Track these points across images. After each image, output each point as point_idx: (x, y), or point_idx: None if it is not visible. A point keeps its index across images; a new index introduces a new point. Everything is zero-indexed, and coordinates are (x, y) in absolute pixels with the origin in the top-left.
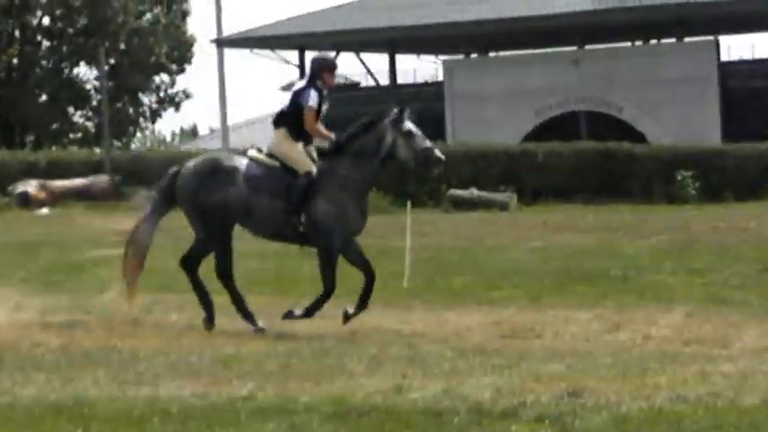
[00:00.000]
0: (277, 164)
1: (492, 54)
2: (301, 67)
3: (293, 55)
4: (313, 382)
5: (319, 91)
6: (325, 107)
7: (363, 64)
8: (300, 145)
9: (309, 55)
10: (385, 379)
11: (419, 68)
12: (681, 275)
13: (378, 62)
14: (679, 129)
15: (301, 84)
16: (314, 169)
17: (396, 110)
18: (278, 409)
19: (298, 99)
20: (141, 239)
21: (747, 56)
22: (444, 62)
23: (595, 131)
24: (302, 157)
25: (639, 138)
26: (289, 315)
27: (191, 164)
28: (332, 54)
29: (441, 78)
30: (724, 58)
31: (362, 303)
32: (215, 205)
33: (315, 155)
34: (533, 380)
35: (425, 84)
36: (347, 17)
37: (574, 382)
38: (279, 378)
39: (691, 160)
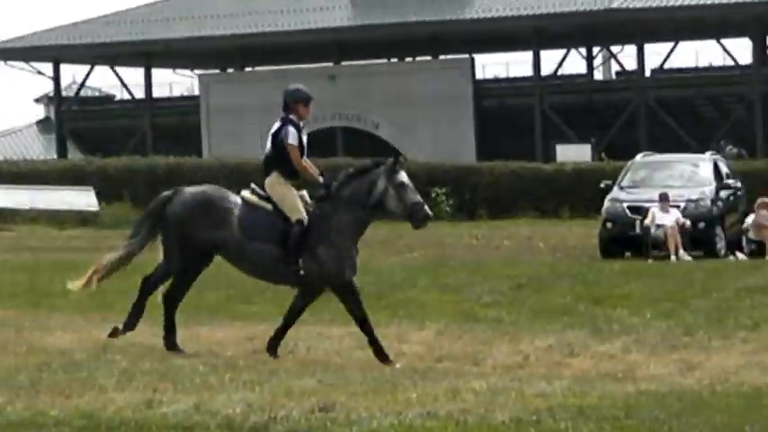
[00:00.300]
0: (270, 207)
1: (249, 69)
2: (56, 79)
3: (48, 67)
4: (64, 397)
5: (296, 126)
6: (305, 140)
7: (118, 77)
8: (293, 189)
9: (65, 67)
10: (136, 393)
11: (176, 82)
12: (434, 292)
13: (133, 75)
14: (434, 146)
15: (277, 124)
16: (305, 216)
17: (391, 159)
18: (28, 424)
19: (277, 139)
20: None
21: (502, 74)
22: (200, 76)
23: (352, 148)
24: (295, 204)
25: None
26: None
27: (186, 193)
28: (303, 87)
29: (197, 92)
30: (479, 76)
31: (374, 345)
32: (200, 242)
33: (307, 198)
34: (285, 395)
35: (181, 97)
36: (102, 30)
37: (325, 396)
38: (29, 392)
39: (445, 177)
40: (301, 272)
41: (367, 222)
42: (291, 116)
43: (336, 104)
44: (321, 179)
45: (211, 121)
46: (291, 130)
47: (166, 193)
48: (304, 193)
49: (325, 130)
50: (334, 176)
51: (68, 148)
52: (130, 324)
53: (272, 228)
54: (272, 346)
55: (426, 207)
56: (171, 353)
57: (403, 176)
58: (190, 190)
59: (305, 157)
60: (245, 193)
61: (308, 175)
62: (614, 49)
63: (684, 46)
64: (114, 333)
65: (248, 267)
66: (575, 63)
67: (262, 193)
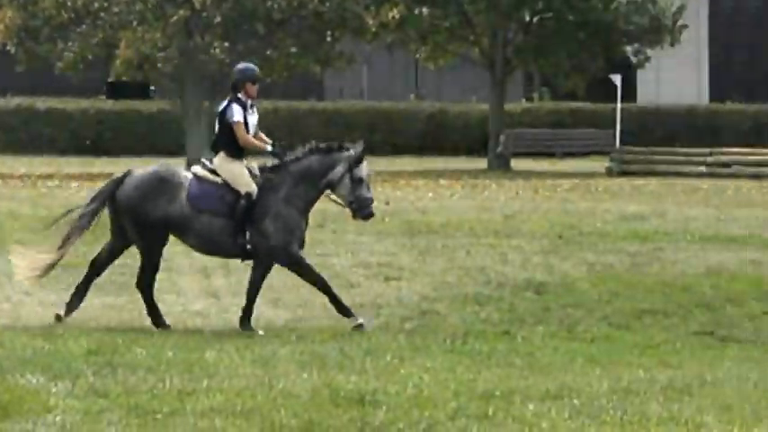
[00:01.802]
0: (219, 180)
1: None
2: None
3: None
4: None
5: (242, 103)
6: (253, 118)
7: None
8: (242, 163)
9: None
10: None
11: None
12: None
13: None
14: None
15: (224, 103)
16: (254, 188)
17: (359, 149)
18: None
19: (224, 118)
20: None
21: None
22: None
23: None
24: (243, 178)
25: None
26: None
27: (136, 174)
28: (252, 65)
29: None
30: None
31: (343, 310)
32: (155, 220)
33: (256, 170)
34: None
35: None
36: None
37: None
38: None
39: None
40: (248, 246)
41: (315, 199)
42: (239, 95)
43: None
44: (270, 148)
45: None
46: (236, 107)
47: (117, 175)
48: (253, 165)
49: None
50: (285, 148)
51: None
52: (73, 306)
53: (221, 201)
54: (245, 323)
55: (373, 206)
56: (162, 328)
57: (363, 171)
58: (140, 171)
59: (251, 133)
60: (196, 168)
61: (257, 147)
62: None
63: None
64: (59, 318)
65: (197, 242)
66: None
67: (212, 167)
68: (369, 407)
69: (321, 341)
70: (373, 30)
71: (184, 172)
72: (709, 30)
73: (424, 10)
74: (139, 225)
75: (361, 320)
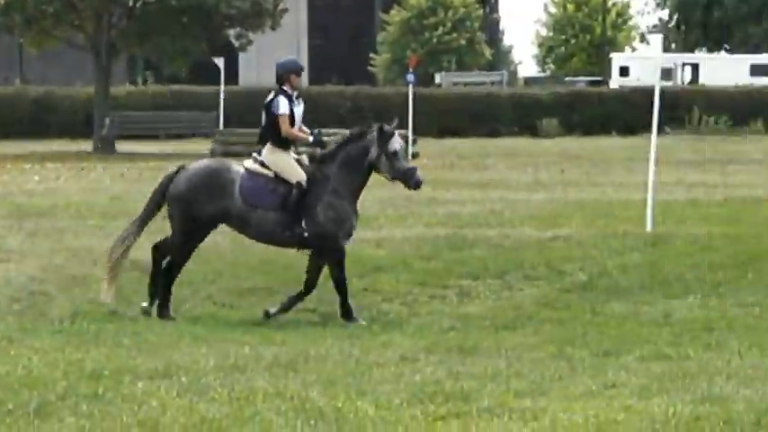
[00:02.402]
0: (271, 173)
1: None
2: None
3: None
4: None
5: (288, 96)
6: (299, 109)
7: None
8: (290, 154)
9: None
10: None
11: None
12: None
13: None
14: None
15: (270, 95)
16: (304, 177)
17: (386, 126)
18: None
19: (270, 111)
20: (126, 240)
21: None
22: None
23: None
24: (292, 167)
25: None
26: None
27: (189, 169)
28: (294, 58)
29: None
30: None
31: (285, 309)
32: (205, 215)
33: (306, 161)
34: None
35: None
36: None
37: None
38: None
39: None
40: (305, 234)
41: (362, 185)
42: (284, 87)
43: None
44: (311, 138)
45: None
46: (282, 99)
47: (171, 169)
48: (304, 157)
49: None
50: (322, 136)
51: None
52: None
53: (273, 193)
54: (349, 316)
55: (418, 172)
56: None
57: (395, 144)
58: (193, 166)
59: (297, 126)
60: (248, 163)
61: (300, 139)
62: None
63: None
64: (146, 312)
65: (253, 233)
66: None
67: (262, 159)
68: None
69: None
70: None
71: (236, 166)
72: (308, 15)
73: None
74: (188, 219)
75: (362, 321)
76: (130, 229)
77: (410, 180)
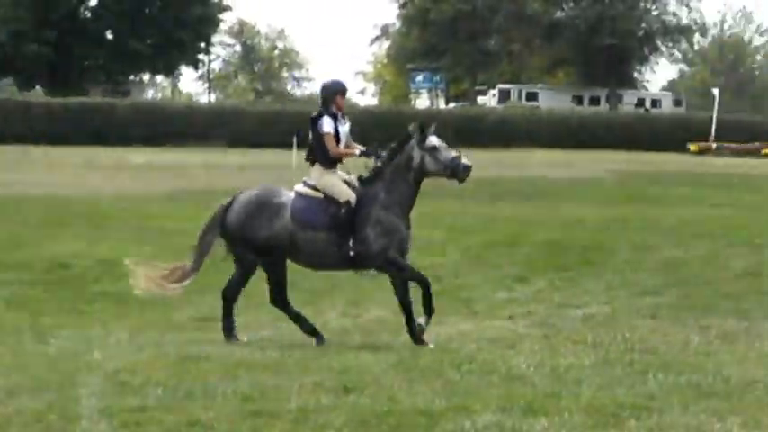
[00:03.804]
0: (321, 196)
1: None
2: None
3: None
4: None
5: (333, 115)
6: (345, 128)
7: None
8: (339, 174)
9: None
10: None
11: None
12: None
13: None
14: None
15: (314, 114)
16: (353, 197)
17: (418, 128)
18: None
19: (316, 131)
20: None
21: None
22: None
23: None
24: (341, 187)
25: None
26: (419, 333)
27: (241, 197)
28: (339, 80)
29: None
30: None
31: (429, 311)
32: (262, 240)
33: (356, 182)
34: None
35: None
36: None
37: None
38: None
39: None
40: (351, 253)
41: (413, 196)
42: (330, 108)
43: None
44: (358, 152)
45: None
46: (327, 119)
47: (225, 200)
48: (353, 177)
49: None
50: (373, 149)
51: None
52: (230, 334)
53: (324, 213)
54: (419, 339)
55: (464, 158)
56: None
57: (433, 140)
58: (245, 194)
59: (342, 144)
60: (298, 186)
61: (347, 155)
62: None
63: None
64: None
65: (303, 258)
66: None
67: (312, 183)
68: None
69: None
70: None
71: (287, 191)
72: None
73: None
74: (251, 247)
75: (423, 320)
76: (192, 264)
77: (458, 169)
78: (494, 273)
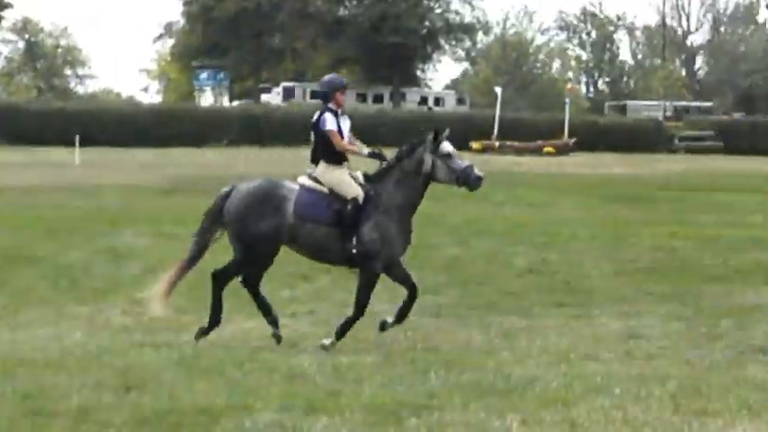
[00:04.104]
0: (326, 190)
1: None
2: None
3: None
4: None
5: (333, 112)
6: (346, 124)
7: None
8: (345, 170)
9: None
10: None
11: None
12: None
13: None
14: None
15: (316, 114)
16: (360, 194)
17: (432, 133)
18: None
19: (318, 129)
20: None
21: None
22: None
23: None
24: (347, 183)
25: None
26: (381, 327)
27: (241, 188)
28: (339, 75)
29: None
30: None
31: (401, 316)
32: (260, 234)
33: (361, 179)
34: None
35: None
36: None
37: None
38: None
39: None
40: (354, 250)
41: (418, 199)
42: (330, 105)
43: None
44: (366, 151)
45: None
46: (328, 116)
47: (224, 189)
48: (358, 174)
49: None
50: (380, 151)
51: None
52: (214, 321)
53: (328, 208)
54: (338, 336)
55: (476, 169)
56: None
57: (447, 147)
58: (245, 185)
59: (345, 139)
60: (302, 179)
61: (354, 153)
62: None
63: None
64: (201, 334)
65: (305, 249)
66: None
67: (316, 175)
68: None
69: None
70: None
71: (290, 183)
72: None
73: None
74: (245, 238)
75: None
76: (192, 252)
77: (469, 178)
78: (277, 271)
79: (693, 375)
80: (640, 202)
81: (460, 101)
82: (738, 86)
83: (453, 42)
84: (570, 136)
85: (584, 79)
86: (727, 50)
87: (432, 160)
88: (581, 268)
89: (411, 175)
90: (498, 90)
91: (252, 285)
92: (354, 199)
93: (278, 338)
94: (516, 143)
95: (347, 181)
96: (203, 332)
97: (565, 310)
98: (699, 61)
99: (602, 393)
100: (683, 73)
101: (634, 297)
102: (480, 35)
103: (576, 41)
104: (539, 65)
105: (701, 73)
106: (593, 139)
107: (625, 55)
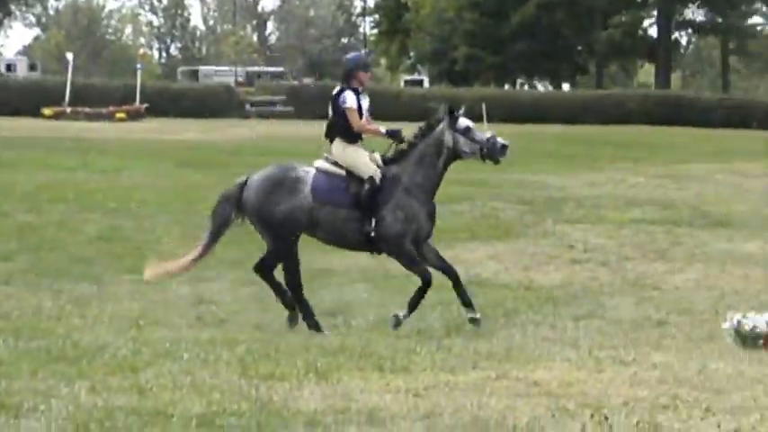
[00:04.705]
0: (343, 172)
1: None
2: None
3: None
4: None
5: (355, 90)
6: (365, 102)
7: None
8: (359, 148)
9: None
10: None
11: None
12: None
13: None
14: None
15: (336, 89)
16: (378, 174)
17: (447, 110)
18: None
19: (337, 105)
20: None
21: None
22: None
23: None
24: (365, 162)
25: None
26: (398, 322)
27: (257, 175)
28: (363, 53)
29: None
30: None
31: (413, 307)
32: (281, 217)
33: (379, 160)
34: None
35: None
36: None
37: None
38: None
39: None
40: (372, 234)
41: (439, 178)
42: (352, 82)
43: None
44: (384, 130)
45: None
46: (349, 94)
47: (239, 180)
48: (376, 155)
49: None
50: (398, 131)
51: None
52: (287, 302)
53: (345, 191)
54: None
55: (499, 138)
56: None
57: (465, 121)
58: (260, 172)
59: (365, 119)
60: (318, 162)
61: (371, 132)
62: None
63: None
64: (289, 320)
65: (322, 234)
66: None
67: (333, 158)
68: None
69: None
70: None
71: (305, 167)
72: None
73: None
74: (268, 224)
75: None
76: (206, 242)
77: (494, 148)
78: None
79: (263, 339)
80: (213, 168)
81: (32, 67)
82: (308, 52)
83: (24, 8)
84: (142, 102)
85: (156, 45)
86: (297, 16)
87: (453, 137)
88: (152, 234)
89: (431, 154)
90: (70, 56)
91: (267, 272)
92: (371, 179)
93: (294, 320)
94: (88, 109)
95: (364, 160)
96: (290, 318)
97: (136, 277)
98: (270, 26)
99: (171, 358)
100: (255, 38)
101: (204, 262)
102: (52, 1)
103: (147, 7)
104: (111, 30)
105: (272, 38)
106: (165, 104)
107: (197, 20)
